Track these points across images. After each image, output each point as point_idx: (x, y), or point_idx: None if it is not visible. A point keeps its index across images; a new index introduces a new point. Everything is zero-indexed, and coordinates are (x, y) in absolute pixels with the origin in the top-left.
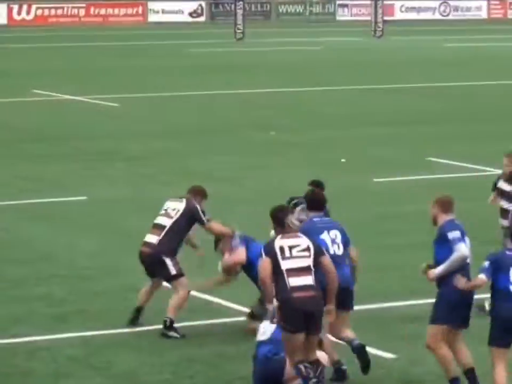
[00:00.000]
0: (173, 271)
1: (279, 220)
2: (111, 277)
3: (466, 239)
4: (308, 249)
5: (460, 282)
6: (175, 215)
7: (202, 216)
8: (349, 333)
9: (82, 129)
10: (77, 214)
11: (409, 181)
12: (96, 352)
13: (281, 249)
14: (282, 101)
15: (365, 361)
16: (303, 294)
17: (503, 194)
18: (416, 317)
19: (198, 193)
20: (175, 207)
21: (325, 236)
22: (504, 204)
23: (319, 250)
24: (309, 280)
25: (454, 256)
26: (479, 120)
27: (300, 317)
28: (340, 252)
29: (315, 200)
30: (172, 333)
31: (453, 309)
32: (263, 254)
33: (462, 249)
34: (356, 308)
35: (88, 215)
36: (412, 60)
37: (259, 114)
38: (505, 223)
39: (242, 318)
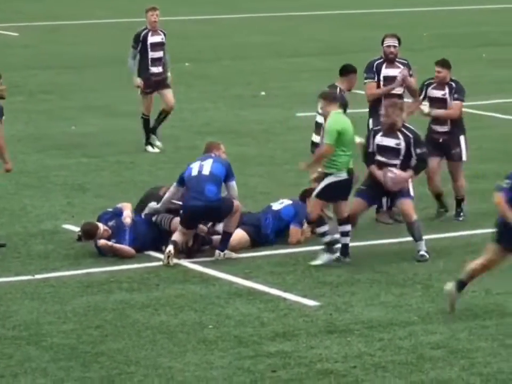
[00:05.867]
0: None
1: None
2: (12, 220)
3: None
4: None
5: None
6: None
7: None
8: None
9: None
10: None
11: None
12: None
13: None
14: (196, 30)
15: None
16: None
17: None
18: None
19: None
20: None
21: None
22: None
23: None
24: None
25: None
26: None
27: None
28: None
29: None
30: None
31: None
32: None
33: None
34: (274, 251)
35: None
36: None
37: (170, 43)
38: None
39: (155, 263)
